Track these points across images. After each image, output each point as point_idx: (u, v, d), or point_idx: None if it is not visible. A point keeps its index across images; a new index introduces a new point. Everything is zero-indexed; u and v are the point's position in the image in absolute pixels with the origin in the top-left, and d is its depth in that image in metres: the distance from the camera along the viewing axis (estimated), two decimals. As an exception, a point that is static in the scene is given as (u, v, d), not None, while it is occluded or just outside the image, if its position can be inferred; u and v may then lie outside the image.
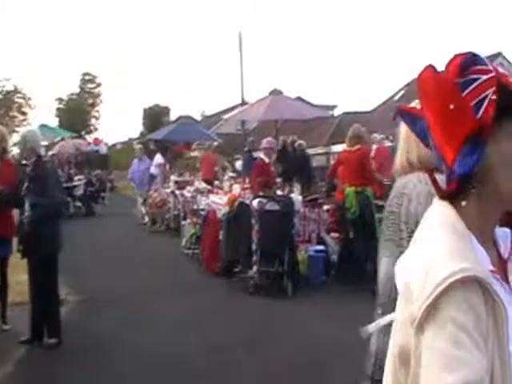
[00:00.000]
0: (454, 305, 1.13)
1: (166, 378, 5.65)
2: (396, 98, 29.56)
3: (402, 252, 2.12)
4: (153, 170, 18.27)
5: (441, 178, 2.13)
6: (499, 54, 26.76)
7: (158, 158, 18.62)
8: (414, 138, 2.29)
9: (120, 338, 6.77)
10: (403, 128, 2.36)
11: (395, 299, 2.13)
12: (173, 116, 38.99)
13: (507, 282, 1.28)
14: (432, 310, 1.14)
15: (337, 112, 34.72)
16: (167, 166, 19.04)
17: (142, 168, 17.00)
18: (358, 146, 8.88)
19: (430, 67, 1.29)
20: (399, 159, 2.35)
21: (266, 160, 11.00)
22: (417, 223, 2.06)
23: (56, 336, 6.33)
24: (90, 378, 5.62)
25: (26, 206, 6.14)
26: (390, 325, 2.14)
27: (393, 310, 2.14)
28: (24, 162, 6.59)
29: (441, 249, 1.21)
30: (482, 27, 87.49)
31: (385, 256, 2.24)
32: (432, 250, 1.22)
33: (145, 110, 39.45)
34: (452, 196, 1.29)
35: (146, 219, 16.58)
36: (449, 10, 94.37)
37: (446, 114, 1.24)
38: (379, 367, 2.14)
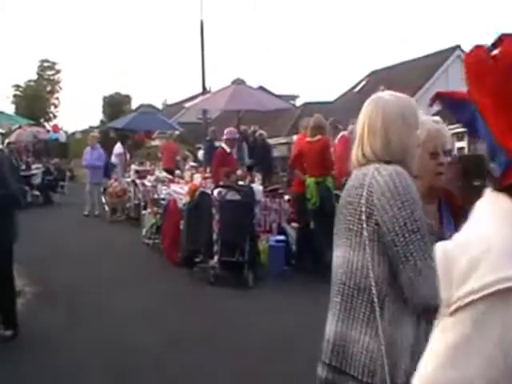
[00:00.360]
0: (500, 316, 1.03)
1: (123, 369, 5.59)
2: (357, 88, 29.79)
3: (361, 242, 2.18)
4: (113, 159, 18.04)
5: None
6: (457, 47, 27.16)
7: (118, 148, 18.38)
8: (371, 130, 2.31)
9: (77, 330, 6.67)
10: (361, 119, 2.37)
11: (349, 286, 2.20)
12: (134, 104, 38.59)
13: None
14: (469, 307, 1.05)
15: (298, 102, 34.86)
16: (127, 156, 18.75)
17: (94, 157, 16.45)
18: (318, 137, 8.91)
19: (481, 47, 1.17)
20: (356, 151, 2.34)
21: (228, 150, 10.98)
22: (381, 216, 2.12)
23: (11, 328, 6.21)
24: (45, 369, 5.54)
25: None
26: (347, 312, 2.20)
27: (347, 297, 2.22)
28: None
29: (496, 240, 1.06)
30: (440, 20, 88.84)
31: (343, 245, 2.24)
32: (486, 237, 1.07)
33: (105, 98, 38.92)
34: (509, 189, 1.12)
35: (87, 212, 16.28)
36: (408, 3, 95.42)
37: (508, 97, 1.11)
38: (336, 353, 2.20)
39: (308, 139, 9.19)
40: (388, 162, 2.23)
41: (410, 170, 2.28)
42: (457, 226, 2.75)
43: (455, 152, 15.60)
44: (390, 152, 2.26)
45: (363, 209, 2.16)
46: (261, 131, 15.41)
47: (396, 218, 2.12)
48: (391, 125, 2.28)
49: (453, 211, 2.81)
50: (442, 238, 2.64)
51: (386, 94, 2.40)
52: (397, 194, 2.12)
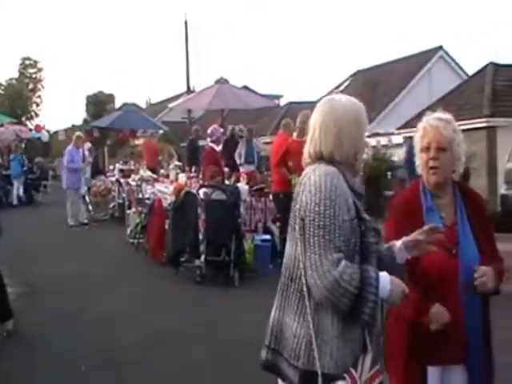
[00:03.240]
0: None
1: (107, 368, 5.57)
2: (341, 88, 29.86)
3: (294, 236, 2.33)
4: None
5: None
6: (440, 48, 27.35)
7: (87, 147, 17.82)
8: (324, 130, 2.41)
9: (64, 329, 6.65)
10: (315, 118, 2.46)
11: (285, 276, 2.38)
12: (117, 103, 38.41)
13: None
14: None
15: (283, 102, 34.91)
16: (87, 156, 17.32)
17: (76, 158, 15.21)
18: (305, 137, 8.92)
19: None
20: (307, 148, 2.47)
21: (217, 148, 11.00)
22: (305, 211, 2.27)
23: (10, 318, 6.32)
24: (32, 368, 5.52)
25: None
26: (283, 299, 2.39)
27: (284, 286, 2.39)
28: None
29: None
30: (423, 21, 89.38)
31: (288, 239, 2.44)
32: None
33: (88, 97, 38.68)
34: None
35: (72, 222, 14.88)
36: (392, 3, 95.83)
37: None
38: (275, 337, 2.42)
39: (295, 138, 9.19)
40: (331, 162, 2.37)
41: (356, 169, 2.45)
42: (474, 222, 2.82)
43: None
44: (342, 152, 2.39)
45: (297, 205, 2.34)
46: (251, 126, 15.39)
47: (310, 211, 2.27)
48: (345, 127, 2.40)
49: (470, 207, 2.87)
50: (452, 232, 2.74)
51: (337, 97, 2.51)
52: (319, 191, 2.27)
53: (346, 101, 2.47)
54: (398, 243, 2.54)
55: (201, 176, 10.82)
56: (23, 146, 23.41)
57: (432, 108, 3.12)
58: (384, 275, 2.28)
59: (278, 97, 36.81)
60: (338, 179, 2.30)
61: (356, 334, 2.30)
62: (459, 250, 2.75)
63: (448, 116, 2.91)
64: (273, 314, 2.48)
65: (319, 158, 2.41)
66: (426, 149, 2.83)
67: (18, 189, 19.65)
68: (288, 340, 2.35)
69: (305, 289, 2.28)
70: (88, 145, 18.42)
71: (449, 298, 2.67)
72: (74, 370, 5.50)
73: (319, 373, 2.23)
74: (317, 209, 2.25)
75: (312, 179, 2.32)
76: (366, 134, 2.51)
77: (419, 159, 2.89)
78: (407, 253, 2.52)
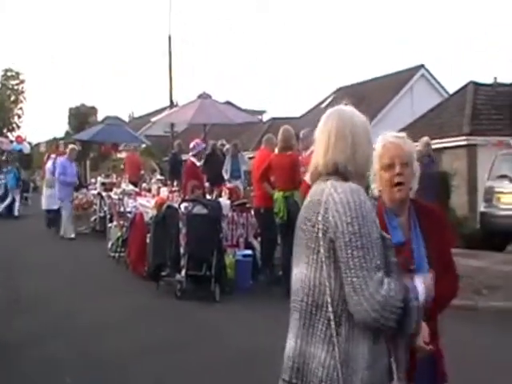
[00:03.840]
0: None
1: (91, 380, 5.53)
2: (324, 104, 30.07)
3: (318, 259, 2.20)
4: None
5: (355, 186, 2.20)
6: (422, 66, 27.68)
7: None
8: (340, 139, 2.29)
9: (46, 341, 6.59)
10: (326, 129, 2.35)
11: (307, 303, 2.22)
12: (100, 116, 38.31)
13: None
14: None
15: (266, 117, 35.03)
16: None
17: (73, 171, 15.15)
18: (290, 152, 8.95)
19: None
20: (322, 160, 2.32)
21: (197, 163, 11.03)
22: (335, 232, 2.14)
23: None
24: (18, 377, 5.51)
25: None
26: (305, 328, 2.21)
27: (306, 313, 2.22)
28: None
29: None
30: (405, 39, 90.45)
31: (302, 261, 2.26)
32: None
33: (70, 110, 38.57)
34: None
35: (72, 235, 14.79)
36: (374, 21, 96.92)
37: None
38: (296, 370, 2.21)
39: (277, 153, 9.20)
40: (345, 177, 2.25)
41: (365, 181, 2.39)
42: (428, 238, 2.82)
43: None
44: (356, 165, 2.28)
45: (320, 226, 2.18)
46: (229, 145, 15.41)
47: (343, 233, 2.13)
48: (359, 136, 2.31)
49: (425, 224, 2.88)
50: (410, 250, 2.75)
51: (347, 108, 2.41)
52: (348, 209, 2.14)
53: (355, 111, 2.39)
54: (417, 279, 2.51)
55: (181, 190, 10.82)
56: (4, 158, 23.24)
57: (413, 125, 3.17)
58: (418, 282, 2.33)
59: (261, 112, 36.95)
60: (364, 195, 2.21)
61: (383, 362, 2.22)
62: (415, 267, 2.77)
63: (403, 133, 2.96)
64: (292, 344, 2.27)
65: (331, 170, 2.29)
66: (389, 166, 2.84)
67: (13, 201, 19.59)
68: (314, 372, 2.18)
69: (332, 316, 2.16)
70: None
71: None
72: (58, 381, 5.47)
73: None
74: (350, 229, 2.13)
75: (337, 197, 2.18)
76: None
77: (378, 178, 2.90)
78: None
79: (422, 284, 2.31)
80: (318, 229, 2.18)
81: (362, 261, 2.10)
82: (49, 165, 16.12)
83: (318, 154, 2.33)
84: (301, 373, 2.20)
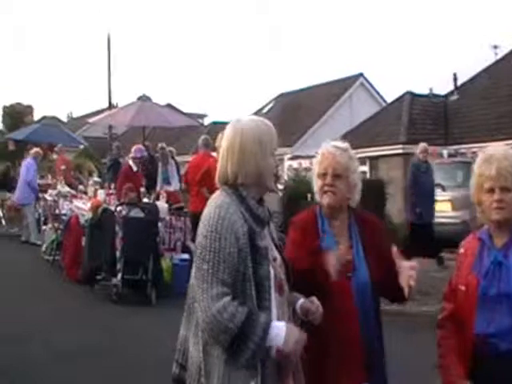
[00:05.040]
0: None
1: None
2: (265, 110, 30.28)
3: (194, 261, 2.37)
4: None
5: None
6: (360, 75, 28.25)
7: None
8: (229, 153, 2.43)
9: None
10: (223, 143, 2.49)
11: (189, 297, 2.42)
12: (36, 116, 37.37)
13: None
14: None
15: (207, 121, 35.01)
16: None
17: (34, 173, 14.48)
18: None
19: None
20: (217, 173, 2.49)
21: (134, 168, 10.88)
22: (198, 242, 2.32)
23: None
24: None
25: None
26: (187, 318, 2.45)
27: (188, 306, 2.43)
28: None
29: None
30: (344, 48, 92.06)
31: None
32: None
33: (4, 108, 37.50)
34: None
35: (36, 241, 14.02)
36: (315, 28, 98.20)
37: None
38: (182, 353, 2.50)
39: (216, 157, 9.12)
40: (235, 187, 2.40)
41: (262, 191, 2.48)
42: (369, 246, 2.91)
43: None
44: (245, 174, 2.41)
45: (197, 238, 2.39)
46: (170, 148, 15.28)
47: (199, 244, 2.33)
48: (247, 147, 2.42)
49: (367, 232, 2.95)
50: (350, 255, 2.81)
51: (245, 119, 2.54)
52: (208, 224, 2.31)
53: (248, 121, 2.51)
54: (299, 302, 2.53)
55: (116, 193, 10.66)
56: None
57: (352, 133, 3.24)
58: (279, 324, 2.28)
59: (203, 116, 36.93)
60: (226, 211, 2.32)
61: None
62: (354, 274, 2.84)
63: (345, 144, 3.03)
64: (181, 331, 2.53)
65: (223, 181, 2.45)
66: (323, 175, 2.93)
67: None
68: (190, 356, 2.41)
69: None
70: None
71: (346, 320, 2.74)
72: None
73: None
74: (203, 242, 2.30)
75: (206, 210, 2.37)
76: (277, 153, 2.54)
77: (316, 184, 2.98)
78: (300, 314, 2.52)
79: (284, 328, 2.28)
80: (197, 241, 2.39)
81: (205, 274, 2.26)
82: None
83: (219, 161, 2.50)
84: (185, 355, 2.46)
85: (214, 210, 2.33)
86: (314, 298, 2.53)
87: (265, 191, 2.51)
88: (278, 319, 2.34)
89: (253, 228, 2.36)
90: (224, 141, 2.51)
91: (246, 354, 2.21)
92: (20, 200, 14.35)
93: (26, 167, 14.40)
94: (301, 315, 2.51)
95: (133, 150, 11.02)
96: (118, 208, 8.89)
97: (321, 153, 2.98)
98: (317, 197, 3.00)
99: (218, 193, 2.44)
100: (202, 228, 2.33)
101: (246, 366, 2.24)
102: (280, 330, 2.26)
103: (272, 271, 2.39)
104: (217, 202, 2.37)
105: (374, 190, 10.17)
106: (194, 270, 2.38)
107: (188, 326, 2.46)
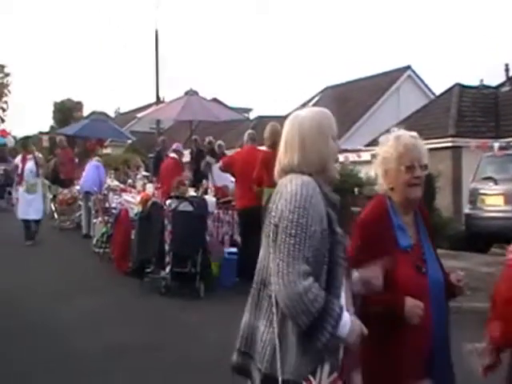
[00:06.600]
0: None
1: (69, 377, 5.47)
2: (311, 104, 30.13)
3: (268, 242, 2.34)
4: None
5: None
6: (408, 67, 27.82)
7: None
8: (289, 146, 2.47)
9: (25, 337, 6.53)
10: (282, 137, 2.52)
11: (257, 282, 2.41)
12: (86, 111, 38.10)
13: None
14: None
15: (252, 115, 35.04)
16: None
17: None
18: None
19: None
20: (276, 167, 2.53)
21: (179, 160, 10.98)
22: (279, 218, 2.29)
23: None
24: None
25: None
26: (254, 304, 2.42)
27: (255, 291, 2.41)
28: None
29: None
30: (392, 40, 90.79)
31: (262, 246, 2.47)
32: None
33: (55, 104, 38.33)
34: None
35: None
36: (362, 21, 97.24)
37: None
38: (245, 341, 2.45)
39: (266, 149, 9.07)
40: (304, 173, 2.41)
41: (329, 177, 2.49)
42: (430, 237, 2.87)
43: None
44: (308, 164, 2.43)
45: (273, 213, 2.36)
46: (219, 142, 15.32)
47: (283, 219, 2.29)
48: (307, 138, 2.44)
49: (426, 224, 2.93)
50: (419, 250, 2.78)
51: (302, 111, 2.56)
52: (294, 200, 2.29)
53: (308, 112, 2.53)
54: (355, 275, 2.54)
55: (159, 186, 10.74)
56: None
57: (399, 126, 3.16)
58: (346, 314, 2.28)
59: (248, 110, 36.97)
60: (313, 189, 2.33)
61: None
62: (427, 268, 2.79)
63: (416, 134, 2.96)
64: (244, 317, 2.49)
65: (289, 170, 2.45)
66: (410, 167, 2.84)
67: None
68: (256, 344, 2.38)
69: (273, 294, 2.30)
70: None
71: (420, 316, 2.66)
72: (34, 376, 5.43)
73: (279, 379, 2.25)
74: (290, 217, 2.27)
75: (289, 188, 2.34)
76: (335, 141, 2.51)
77: (393, 176, 2.90)
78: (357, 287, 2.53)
79: (349, 320, 2.28)
80: (271, 215, 2.36)
81: (291, 248, 2.23)
82: (30, 165, 13.28)
83: (279, 155, 2.52)
84: (249, 343, 2.44)
85: (300, 187, 2.31)
86: (374, 266, 2.56)
87: (330, 181, 2.49)
88: (346, 305, 2.35)
89: (329, 212, 2.37)
90: (283, 134, 2.52)
91: (320, 340, 2.21)
92: (87, 188, 14.06)
93: (95, 166, 14.38)
94: (360, 286, 2.52)
95: (174, 145, 11.25)
96: (168, 201, 8.93)
97: (402, 144, 2.87)
98: (383, 187, 2.92)
99: (292, 175, 2.42)
100: (287, 203, 2.30)
101: (318, 352, 2.24)
102: (347, 321, 2.26)
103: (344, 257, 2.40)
104: (299, 180, 2.35)
105: (424, 184, 10.01)
106: (271, 249, 2.33)
107: (256, 312, 2.43)
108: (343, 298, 2.37)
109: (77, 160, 18.40)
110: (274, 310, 2.30)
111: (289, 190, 2.33)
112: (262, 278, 2.40)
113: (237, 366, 2.51)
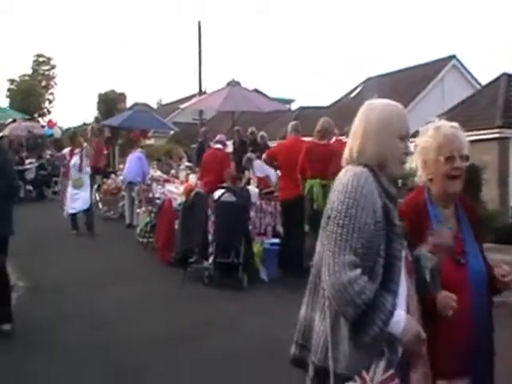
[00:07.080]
0: None
1: (107, 368, 5.51)
2: (353, 94, 29.86)
3: (324, 234, 2.32)
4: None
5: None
6: (453, 57, 27.28)
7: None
8: (354, 135, 2.45)
9: (70, 326, 6.64)
10: (355, 120, 2.48)
11: (313, 274, 2.40)
12: (129, 103, 38.51)
13: None
14: None
15: (294, 106, 34.89)
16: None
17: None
18: (324, 141, 8.83)
19: None
20: (344, 154, 2.52)
21: (225, 151, 11.02)
22: (331, 208, 2.27)
23: (9, 321, 6.18)
24: (25, 367, 5.47)
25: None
26: (311, 296, 2.42)
27: (312, 283, 2.41)
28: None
29: None
30: (437, 29, 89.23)
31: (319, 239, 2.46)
32: None
33: (100, 95, 38.82)
34: None
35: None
36: (406, 10, 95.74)
37: None
38: (303, 333, 2.44)
39: (315, 141, 9.05)
40: (361, 165, 2.38)
41: (390, 173, 2.42)
42: (474, 231, 2.81)
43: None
44: (366, 157, 2.40)
45: (329, 205, 2.35)
46: (262, 133, 15.30)
47: (334, 209, 2.29)
48: (370, 129, 2.41)
49: (468, 216, 2.85)
50: (459, 241, 2.73)
51: (375, 101, 2.50)
52: (345, 190, 2.28)
53: (380, 104, 2.48)
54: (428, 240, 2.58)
55: (202, 176, 10.75)
56: (39, 141, 23.55)
57: (444, 117, 3.09)
58: (401, 312, 2.24)
59: (290, 101, 36.78)
60: (366, 180, 2.30)
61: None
62: (467, 260, 2.73)
63: (457, 124, 2.89)
64: (302, 310, 2.49)
65: (350, 160, 2.46)
66: (450, 158, 2.79)
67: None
68: (312, 336, 2.38)
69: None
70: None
71: (459, 308, 2.59)
72: (80, 365, 5.50)
73: (331, 371, 2.23)
74: (340, 207, 2.26)
75: (343, 179, 2.34)
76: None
77: (432, 167, 2.84)
78: None
79: (404, 318, 2.23)
80: (327, 207, 2.36)
81: (339, 238, 2.22)
82: (74, 160, 13.12)
83: (347, 145, 2.51)
84: (306, 335, 2.43)
85: (352, 178, 2.30)
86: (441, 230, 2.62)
87: (389, 176, 2.43)
88: (407, 304, 2.31)
89: (386, 203, 2.33)
90: (353, 124, 2.50)
91: (368, 334, 2.17)
92: (130, 178, 14.24)
93: (137, 157, 14.51)
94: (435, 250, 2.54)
95: (217, 137, 11.31)
96: (216, 192, 8.90)
97: (441, 134, 2.82)
98: (422, 179, 2.88)
99: (349, 166, 2.42)
100: (339, 194, 2.30)
101: (368, 347, 2.20)
102: (401, 318, 2.22)
103: (404, 252, 2.35)
104: (352, 171, 2.34)
105: (469, 176, 9.82)
106: (322, 239, 2.34)
107: (313, 305, 2.42)
108: (403, 296, 2.31)
109: (105, 151, 18.54)
110: (327, 302, 2.28)
111: (342, 181, 2.32)
112: (317, 270, 2.38)
113: (294, 359, 2.50)
